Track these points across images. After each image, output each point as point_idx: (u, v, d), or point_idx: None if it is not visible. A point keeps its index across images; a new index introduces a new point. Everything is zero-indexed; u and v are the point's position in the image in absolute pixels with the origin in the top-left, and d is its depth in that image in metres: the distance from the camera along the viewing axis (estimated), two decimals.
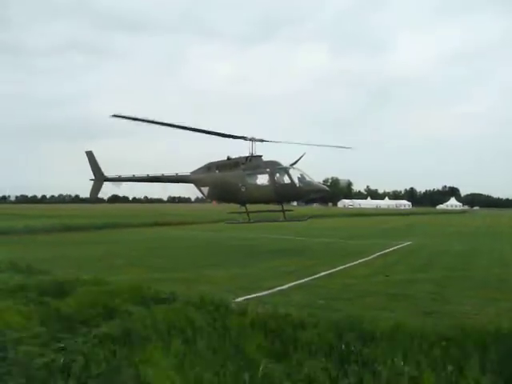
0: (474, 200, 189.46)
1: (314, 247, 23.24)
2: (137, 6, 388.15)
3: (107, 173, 24.05)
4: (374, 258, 18.69)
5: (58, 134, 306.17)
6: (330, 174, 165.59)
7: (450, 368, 5.38)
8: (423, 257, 19.31)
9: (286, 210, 22.02)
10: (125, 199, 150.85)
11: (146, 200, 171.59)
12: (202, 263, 16.71)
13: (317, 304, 9.82)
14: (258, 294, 10.84)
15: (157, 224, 40.10)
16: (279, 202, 21.59)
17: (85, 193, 27.29)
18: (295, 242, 25.89)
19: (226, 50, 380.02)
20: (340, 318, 7.59)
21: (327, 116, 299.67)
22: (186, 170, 22.87)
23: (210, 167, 22.19)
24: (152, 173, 23.38)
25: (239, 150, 21.81)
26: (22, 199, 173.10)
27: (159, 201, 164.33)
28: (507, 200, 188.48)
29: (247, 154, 21.21)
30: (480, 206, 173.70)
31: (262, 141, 21.08)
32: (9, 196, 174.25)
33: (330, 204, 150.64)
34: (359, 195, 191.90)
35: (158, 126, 18.81)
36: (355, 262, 17.02)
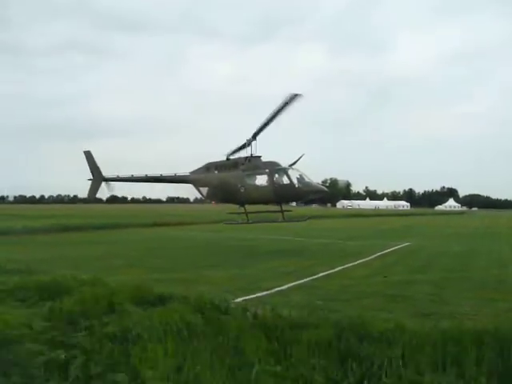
0: (473, 201, 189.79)
1: (312, 248, 23.25)
2: (137, 5, 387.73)
3: (107, 173, 24.05)
4: (372, 258, 18.72)
5: (57, 134, 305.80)
6: (328, 174, 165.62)
7: (449, 368, 5.39)
8: (422, 258, 19.34)
9: (285, 211, 22.03)
10: (123, 199, 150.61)
11: (145, 200, 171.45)
12: (201, 264, 16.71)
13: (315, 305, 9.81)
14: (257, 295, 10.85)
15: (156, 224, 40.10)
16: (278, 202, 21.61)
17: (83, 193, 27.17)
18: (294, 243, 25.90)
19: (226, 49, 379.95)
20: (339, 319, 7.58)
21: (327, 116, 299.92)
22: (185, 170, 22.98)
23: (209, 167, 22.16)
24: (151, 173, 23.43)
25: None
26: (21, 199, 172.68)
27: (158, 201, 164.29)
28: (506, 201, 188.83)
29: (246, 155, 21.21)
30: (479, 207, 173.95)
31: None
32: (7, 196, 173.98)
33: (329, 205, 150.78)
34: (358, 196, 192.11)
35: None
36: (354, 263, 17.04)
